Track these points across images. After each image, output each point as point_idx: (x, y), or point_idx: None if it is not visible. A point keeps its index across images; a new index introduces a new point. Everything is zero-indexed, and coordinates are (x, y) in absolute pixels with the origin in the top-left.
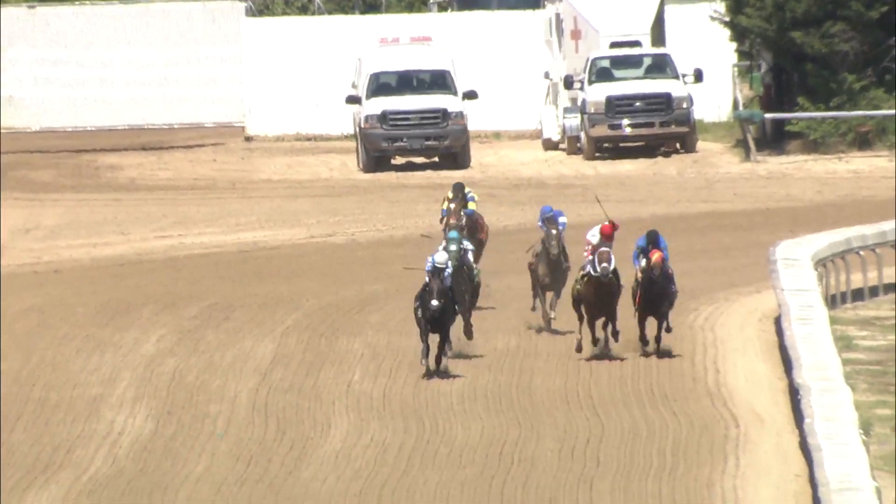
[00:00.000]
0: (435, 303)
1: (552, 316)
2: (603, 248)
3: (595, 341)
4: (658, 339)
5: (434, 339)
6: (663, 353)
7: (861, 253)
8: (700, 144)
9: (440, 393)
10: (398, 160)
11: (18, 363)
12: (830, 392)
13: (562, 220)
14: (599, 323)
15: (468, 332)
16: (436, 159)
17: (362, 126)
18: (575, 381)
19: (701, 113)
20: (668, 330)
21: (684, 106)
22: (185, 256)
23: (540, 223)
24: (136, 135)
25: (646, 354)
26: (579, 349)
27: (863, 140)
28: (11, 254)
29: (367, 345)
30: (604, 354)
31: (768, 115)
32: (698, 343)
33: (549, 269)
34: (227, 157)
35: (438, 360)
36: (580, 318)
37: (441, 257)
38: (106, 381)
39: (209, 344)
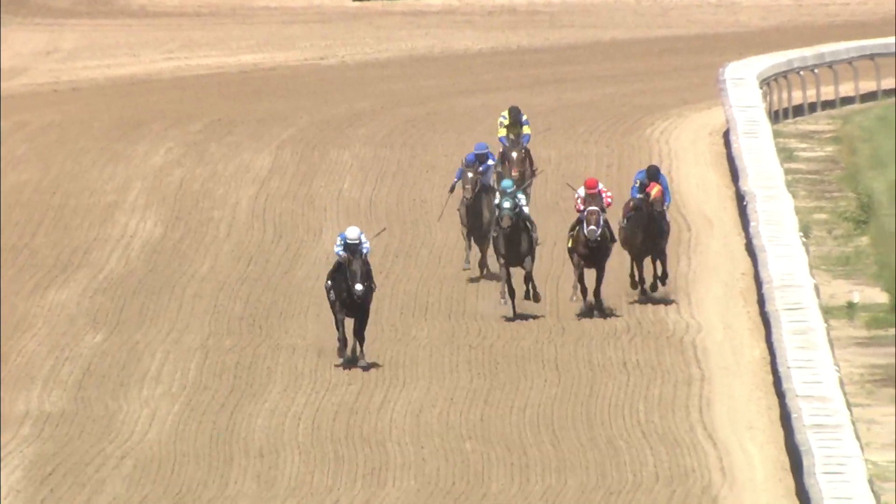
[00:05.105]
0: (359, 287)
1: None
2: (591, 208)
3: (584, 292)
4: (664, 277)
5: (350, 323)
6: (664, 298)
7: (801, 73)
8: None
9: (422, 200)
10: None
11: (40, 173)
12: (773, 198)
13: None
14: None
15: (536, 297)
16: None
17: None
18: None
19: None
20: (665, 274)
21: None
22: (191, 77)
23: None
24: None
25: (643, 295)
26: (574, 297)
27: None
28: (34, 74)
29: (355, 156)
30: (596, 306)
31: None
32: (654, 154)
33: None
34: None
35: (361, 341)
36: (575, 268)
37: (353, 232)
38: (119, 189)
39: (213, 156)
